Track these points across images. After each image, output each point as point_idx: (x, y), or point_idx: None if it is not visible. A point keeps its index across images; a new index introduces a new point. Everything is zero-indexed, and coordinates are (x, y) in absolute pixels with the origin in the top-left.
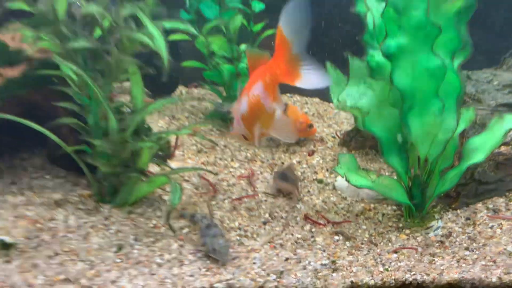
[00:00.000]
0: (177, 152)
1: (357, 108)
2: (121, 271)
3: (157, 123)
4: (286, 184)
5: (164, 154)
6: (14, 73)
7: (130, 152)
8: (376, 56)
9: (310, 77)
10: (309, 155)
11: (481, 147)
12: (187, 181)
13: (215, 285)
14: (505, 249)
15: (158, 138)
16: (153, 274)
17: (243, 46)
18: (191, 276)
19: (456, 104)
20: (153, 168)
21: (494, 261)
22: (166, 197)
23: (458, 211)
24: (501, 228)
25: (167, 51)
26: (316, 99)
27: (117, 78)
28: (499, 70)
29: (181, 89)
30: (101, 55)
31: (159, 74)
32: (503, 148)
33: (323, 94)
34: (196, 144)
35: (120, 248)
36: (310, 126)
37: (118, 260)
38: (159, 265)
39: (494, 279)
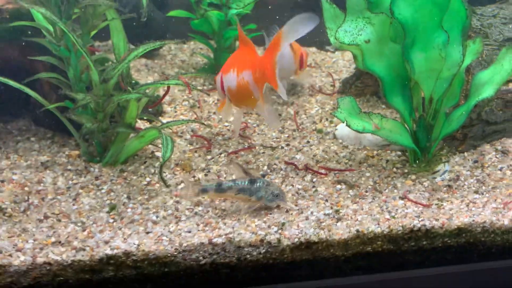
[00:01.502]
0: (168, 108)
1: (356, 45)
2: (115, 231)
3: (146, 80)
4: None
5: (154, 110)
6: None
7: (115, 106)
8: None
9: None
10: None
11: (489, 81)
12: (180, 136)
13: (214, 239)
14: None
15: (145, 90)
16: (148, 233)
17: None
18: (189, 232)
19: (461, 36)
20: (144, 125)
21: (505, 203)
22: (158, 154)
23: (465, 154)
24: (511, 170)
25: None
26: (313, 49)
27: (95, 26)
28: (505, 3)
29: (170, 45)
30: (75, 0)
31: (147, 27)
32: (511, 85)
33: (321, 43)
34: (188, 100)
35: (112, 207)
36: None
37: (111, 220)
38: (155, 222)
39: (506, 222)
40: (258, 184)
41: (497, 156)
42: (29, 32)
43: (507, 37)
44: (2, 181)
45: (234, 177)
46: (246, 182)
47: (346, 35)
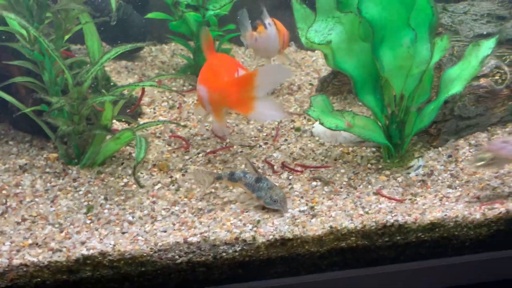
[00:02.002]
0: (147, 110)
1: (326, 44)
2: (92, 232)
3: (126, 82)
4: None
5: (133, 112)
6: None
7: (90, 108)
8: None
9: (263, 111)
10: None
11: (458, 78)
12: (159, 137)
13: (189, 238)
14: (488, 184)
15: (121, 92)
16: (124, 233)
17: None
18: (164, 231)
19: (429, 34)
20: (123, 127)
21: (478, 197)
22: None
23: (440, 148)
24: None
25: None
26: (292, 48)
27: (68, 30)
28: (476, 0)
29: (151, 46)
30: (45, 4)
31: (126, 30)
32: (482, 81)
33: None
34: (167, 101)
35: (90, 208)
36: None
37: (88, 221)
38: (131, 223)
39: (478, 216)
40: (261, 184)
41: (471, 150)
42: (3, 37)
43: (477, 34)
44: None
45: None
46: (253, 179)
47: (317, 35)
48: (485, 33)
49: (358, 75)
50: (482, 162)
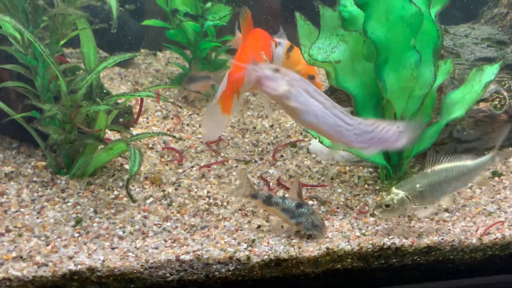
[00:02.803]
0: (140, 119)
1: (329, 62)
2: (80, 246)
3: (118, 89)
4: (196, 84)
5: (125, 121)
6: None
7: (83, 117)
8: (349, 5)
9: None
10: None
11: (460, 102)
12: (151, 148)
13: (182, 256)
14: (484, 209)
15: (115, 101)
16: (114, 248)
17: (208, 4)
18: (156, 248)
19: (433, 56)
20: (115, 136)
21: (474, 222)
22: (127, 166)
23: None
24: (480, 188)
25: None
26: None
27: (64, 35)
28: (477, 24)
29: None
30: (42, 7)
31: (121, 37)
32: (482, 105)
33: None
34: (161, 110)
35: (78, 221)
36: (311, 77)
37: (76, 235)
38: (121, 238)
39: (474, 240)
40: (303, 209)
41: None
42: None
43: (478, 57)
44: None
45: (287, 194)
46: (293, 204)
47: (320, 52)
48: (485, 56)
49: (360, 94)
50: (380, 209)
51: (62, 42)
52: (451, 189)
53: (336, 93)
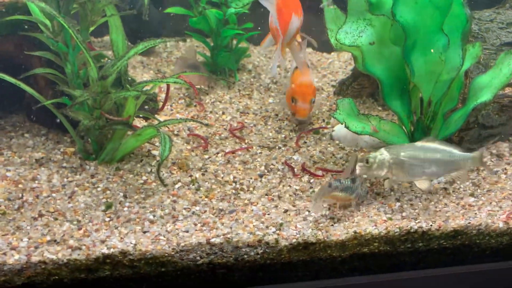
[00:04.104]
0: (164, 106)
1: (357, 46)
2: (111, 230)
3: (141, 77)
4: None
5: (151, 108)
6: None
7: (112, 103)
8: None
9: None
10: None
11: (488, 86)
12: (177, 135)
13: (212, 239)
14: (510, 194)
15: (143, 87)
16: (146, 232)
17: None
18: (187, 231)
19: (461, 40)
20: (140, 123)
21: (500, 207)
22: (155, 152)
23: None
24: (505, 173)
25: None
26: (309, 49)
27: (93, 22)
28: (501, 8)
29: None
30: None
31: (143, 24)
32: (508, 90)
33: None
34: (184, 98)
35: (109, 206)
36: (295, 100)
37: (107, 219)
38: (152, 222)
39: (500, 225)
40: (357, 182)
41: (492, 159)
42: (26, 26)
43: (504, 42)
44: None
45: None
46: (349, 181)
47: (347, 37)
48: (511, 41)
49: (387, 79)
50: (361, 164)
51: (91, 29)
52: (429, 172)
53: (358, 80)
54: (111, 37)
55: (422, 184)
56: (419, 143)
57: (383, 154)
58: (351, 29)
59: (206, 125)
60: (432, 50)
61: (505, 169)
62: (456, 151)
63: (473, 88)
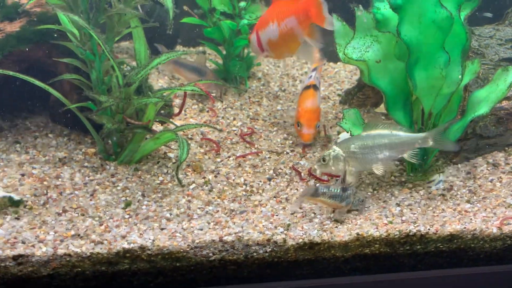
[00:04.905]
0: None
1: (363, 61)
2: (131, 226)
3: (156, 83)
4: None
5: (166, 112)
6: (13, 28)
7: (134, 108)
8: (382, 8)
9: (331, 20)
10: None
11: (485, 100)
12: (191, 139)
13: (225, 237)
14: (504, 201)
15: (162, 94)
16: (163, 229)
17: (242, 3)
18: (201, 229)
19: (461, 57)
20: (156, 127)
21: (494, 213)
22: (171, 155)
23: (459, 165)
24: (500, 182)
25: (172, 1)
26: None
27: (119, 33)
28: (501, 25)
29: (180, 49)
30: (103, 8)
31: (158, 33)
32: (504, 103)
33: (324, 54)
34: (197, 104)
35: (128, 204)
36: (316, 126)
37: (127, 216)
38: (168, 219)
39: (494, 230)
40: (348, 191)
41: (489, 168)
42: (55, 35)
43: (502, 58)
44: (23, 175)
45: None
46: (339, 190)
47: (355, 51)
48: (509, 57)
49: (391, 91)
50: (318, 163)
51: (116, 39)
52: (383, 157)
53: (363, 90)
54: (135, 47)
55: (377, 170)
56: (363, 133)
57: (336, 150)
58: (358, 45)
59: (220, 130)
60: (434, 66)
61: (500, 177)
62: (401, 133)
63: (472, 101)
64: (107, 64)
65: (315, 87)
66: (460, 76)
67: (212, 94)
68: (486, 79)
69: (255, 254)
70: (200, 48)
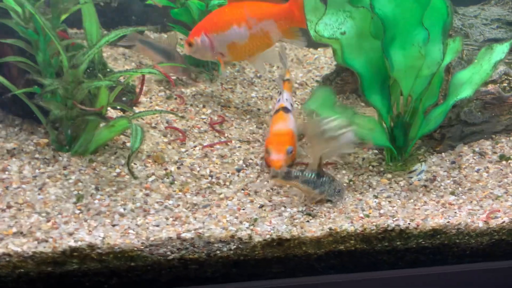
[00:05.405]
0: (143, 99)
1: (336, 39)
2: (80, 223)
3: (123, 69)
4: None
5: (129, 100)
6: None
7: (85, 93)
8: None
9: None
10: None
11: (468, 81)
12: (154, 127)
13: (183, 234)
14: (491, 193)
15: (118, 79)
16: (115, 225)
17: None
18: (157, 226)
19: (442, 34)
20: (118, 115)
21: (481, 206)
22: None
23: (443, 154)
24: (487, 172)
25: None
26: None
27: (66, 10)
28: (487, 5)
29: (149, 34)
30: None
31: (123, 16)
32: (490, 87)
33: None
34: (164, 91)
35: (79, 198)
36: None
37: (77, 211)
38: (122, 215)
39: (480, 224)
40: (324, 178)
41: (475, 157)
42: None
43: (488, 38)
44: None
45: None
46: (313, 175)
47: (326, 28)
48: (494, 38)
49: (366, 73)
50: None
51: (63, 17)
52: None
53: (342, 75)
54: (85, 26)
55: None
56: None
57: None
58: (330, 21)
59: (182, 117)
60: (412, 44)
61: (487, 167)
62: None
63: (454, 84)
64: (56, 46)
65: (285, 109)
66: (441, 55)
67: (178, 79)
68: (470, 61)
69: (218, 252)
70: (172, 33)
